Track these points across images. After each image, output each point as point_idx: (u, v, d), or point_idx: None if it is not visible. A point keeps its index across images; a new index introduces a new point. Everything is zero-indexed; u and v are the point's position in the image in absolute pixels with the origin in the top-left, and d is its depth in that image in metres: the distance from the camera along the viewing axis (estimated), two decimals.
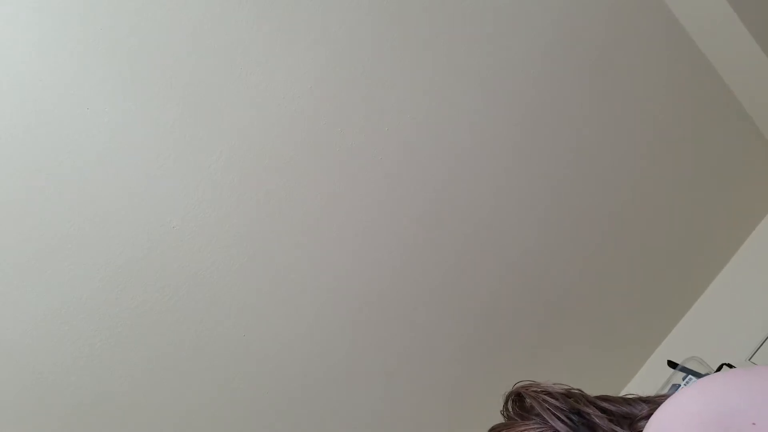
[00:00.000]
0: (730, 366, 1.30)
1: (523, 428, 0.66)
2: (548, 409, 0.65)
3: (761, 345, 1.45)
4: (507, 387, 0.72)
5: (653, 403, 0.63)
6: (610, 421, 0.63)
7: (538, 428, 0.65)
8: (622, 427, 0.63)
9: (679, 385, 1.33)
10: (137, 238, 1.14)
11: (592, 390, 0.70)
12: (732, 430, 0.46)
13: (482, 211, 1.37)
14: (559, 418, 0.64)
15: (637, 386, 1.55)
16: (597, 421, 0.64)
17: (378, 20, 1.20)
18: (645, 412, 0.63)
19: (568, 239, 1.46)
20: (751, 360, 1.44)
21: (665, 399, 0.57)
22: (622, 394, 0.71)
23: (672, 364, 1.40)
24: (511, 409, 0.70)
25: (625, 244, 1.52)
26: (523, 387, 0.70)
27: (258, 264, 1.23)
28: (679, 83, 1.48)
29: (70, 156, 1.07)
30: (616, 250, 1.52)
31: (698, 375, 1.32)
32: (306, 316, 1.29)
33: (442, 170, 1.31)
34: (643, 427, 0.57)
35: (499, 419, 0.72)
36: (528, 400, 0.68)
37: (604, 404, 0.66)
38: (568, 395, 0.67)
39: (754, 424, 0.45)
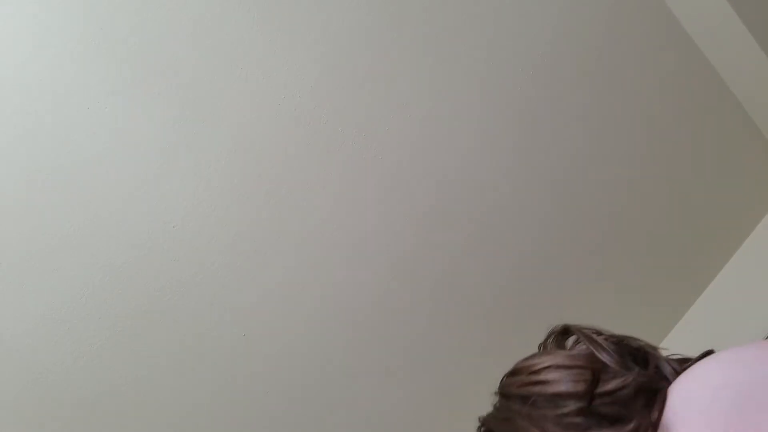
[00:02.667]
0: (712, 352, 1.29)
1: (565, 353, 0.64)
2: (596, 341, 0.63)
3: None
4: None
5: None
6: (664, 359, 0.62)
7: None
8: (670, 365, 0.61)
9: None
10: (137, 238, 1.14)
11: None
12: (757, 399, 0.46)
13: (482, 210, 1.37)
14: (606, 350, 0.63)
15: None
16: (649, 351, 0.63)
17: (378, 20, 1.20)
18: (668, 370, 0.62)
19: (567, 239, 1.46)
20: None
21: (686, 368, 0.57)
22: None
23: None
24: (554, 343, 0.68)
25: (624, 244, 1.52)
26: (568, 324, 0.69)
27: (258, 264, 1.23)
28: (679, 83, 1.48)
29: (70, 156, 1.07)
30: (615, 250, 1.52)
31: None
32: (306, 315, 1.29)
33: (443, 169, 1.31)
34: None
35: None
36: (576, 335, 0.66)
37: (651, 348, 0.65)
38: (615, 336, 0.66)
39: None
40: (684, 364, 0.62)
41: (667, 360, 0.63)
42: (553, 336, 0.69)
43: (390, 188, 1.28)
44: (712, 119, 1.53)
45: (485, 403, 0.74)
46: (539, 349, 0.69)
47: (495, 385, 0.72)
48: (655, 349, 0.64)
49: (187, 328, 1.21)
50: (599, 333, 0.65)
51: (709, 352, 0.62)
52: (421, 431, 1.45)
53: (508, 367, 1.49)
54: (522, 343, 1.52)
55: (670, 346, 1.66)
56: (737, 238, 1.63)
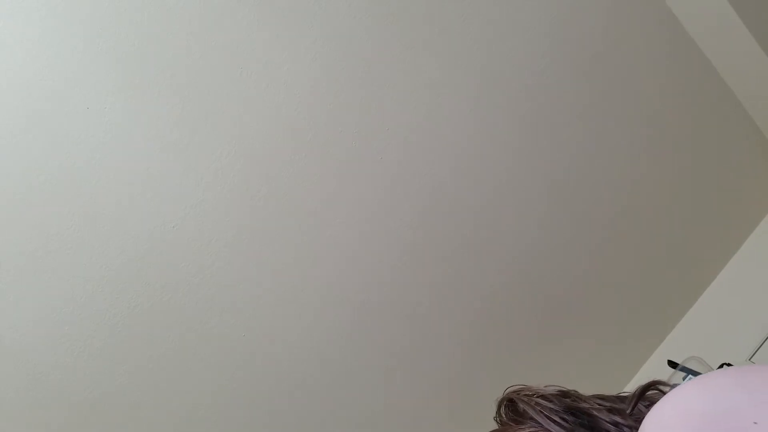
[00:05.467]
0: (730, 366, 1.30)
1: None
2: (542, 411, 0.64)
3: (761, 345, 1.45)
4: (507, 385, 0.71)
5: (649, 400, 0.62)
6: (609, 411, 0.63)
7: (533, 431, 0.65)
8: (622, 417, 0.62)
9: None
10: (137, 238, 1.14)
11: (593, 390, 0.69)
12: (733, 429, 0.46)
13: (482, 209, 1.37)
14: (553, 420, 0.63)
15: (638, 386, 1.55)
16: (596, 413, 0.63)
17: (378, 20, 1.20)
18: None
19: (568, 239, 1.46)
20: (751, 360, 1.44)
21: (662, 396, 0.57)
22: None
23: (672, 364, 1.40)
24: (504, 415, 0.69)
25: (625, 243, 1.52)
26: (514, 392, 0.69)
27: (258, 264, 1.23)
28: (680, 83, 1.48)
29: (70, 156, 1.07)
30: (616, 250, 1.52)
31: (698, 375, 1.32)
32: (306, 315, 1.29)
33: (443, 169, 1.31)
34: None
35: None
36: (521, 405, 0.66)
37: (599, 400, 0.65)
38: (563, 395, 0.66)
39: (755, 423, 0.44)
40: (622, 403, 0.62)
41: (610, 411, 0.63)
42: (503, 408, 0.69)
43: (390, 189, 1.28)
44: (712, 119, 1.53)
45: (485, 400, 0.74)
46: (495, 422, 0.70)
47: (495, 383, 0.72)
48: (600, 406, 0.64)
49: (187, 328, 1.21)
50: (546, 398, 0.65)
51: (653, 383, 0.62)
52: (420, 431, 1.45)
53: (507, 366, 1.49)
54: (522, 343, 1.52)
55: (672, 347, 1.66)
56: (737, 238, 1.63)
